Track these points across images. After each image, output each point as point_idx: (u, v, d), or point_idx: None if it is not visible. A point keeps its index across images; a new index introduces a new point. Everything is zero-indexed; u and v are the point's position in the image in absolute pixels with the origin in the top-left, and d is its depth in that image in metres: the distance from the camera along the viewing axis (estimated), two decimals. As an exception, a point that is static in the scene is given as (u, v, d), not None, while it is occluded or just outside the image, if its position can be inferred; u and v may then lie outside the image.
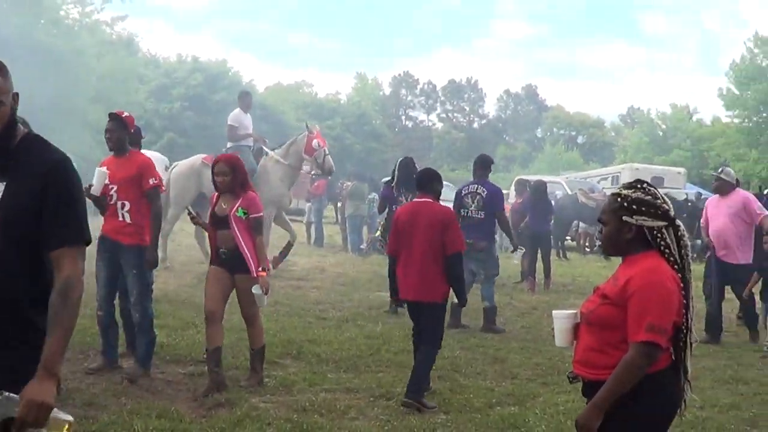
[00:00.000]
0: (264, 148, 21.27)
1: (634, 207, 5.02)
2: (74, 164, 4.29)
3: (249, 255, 9.82)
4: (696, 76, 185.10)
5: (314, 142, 20.44)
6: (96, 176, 10.00)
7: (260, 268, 9.91)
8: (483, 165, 15.66)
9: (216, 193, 10.16)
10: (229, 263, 9.93)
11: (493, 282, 15.48)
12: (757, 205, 14.63)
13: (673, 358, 5.01)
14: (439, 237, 9.97)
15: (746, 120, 65.27)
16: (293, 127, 71.55)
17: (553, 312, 5.51)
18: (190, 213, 10.51)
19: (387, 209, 16.35)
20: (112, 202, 10.20)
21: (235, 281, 10.01)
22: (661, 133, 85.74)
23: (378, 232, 20.61)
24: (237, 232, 9.78)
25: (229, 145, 20.90)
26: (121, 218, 10.21)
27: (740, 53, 65.65)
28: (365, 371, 11.19)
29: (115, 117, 10.39)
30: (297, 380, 10.46)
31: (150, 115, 64.67)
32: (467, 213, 14.99)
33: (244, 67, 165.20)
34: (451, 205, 12.84)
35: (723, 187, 14.83)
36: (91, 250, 10.19)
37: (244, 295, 10.04)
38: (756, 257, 14.66)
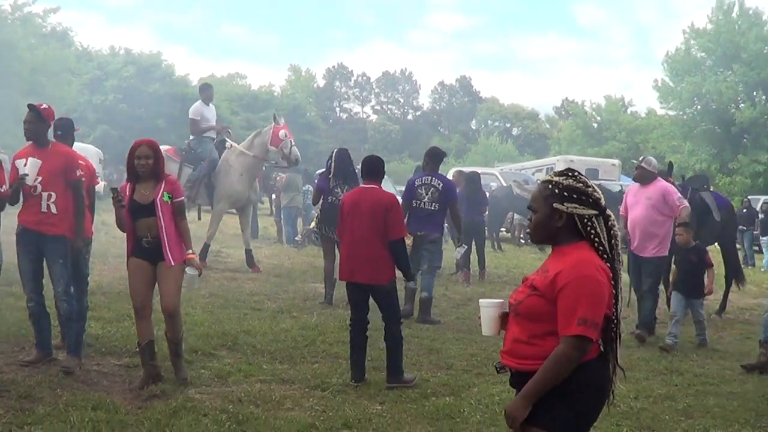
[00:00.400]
0: (228, 140, 21.14)
1: (566, 194, 4.97)
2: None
3: (169, 242, 9.57)
4: (631, 68, 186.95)
5: (281, 133, 20.30)
6: (30, 166, 9.90)
7: (189, 251, 9.79)
8: (435, 158, 15.71)
9: (127, 183, 9.78)
10: (153, 252, 9.62)
11: (435, 274, 15.56)
12: (677, 196, 14.27)
13: (602, 349, 4.99)
14: (382, 222, 10.29)
15: (681, 112, 65.95)
16: (227, 120, 71.37)
17: (480, 301, 5.47)
18: (116, 195, 9.52)
19: (322, 201, 16.34)
20: (35, 194, 10.06)
21: (157, 270, 9.69)
22: (595, 125, 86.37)
23: (313, 224, 20.62)
24: (162, 218, 9.53)
25: (191, 138, 20.86)
26: (45, 209, 10.09)
27: (675, 45, 66.40)
28: (300, 362, 11.20)
29: (33, 108, 10.26)
30: (232, 371, 10.44)
31: (83, 108, 64.45)
32: (419, 204, 15.05)
33: (178, 59, 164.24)
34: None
35: (644, 176, 14.43)
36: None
37: (168, 284, 9.67)
38: (671, 250, 14.33)
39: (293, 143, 20.53)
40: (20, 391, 9.03)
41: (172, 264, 9.58)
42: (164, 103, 68.81)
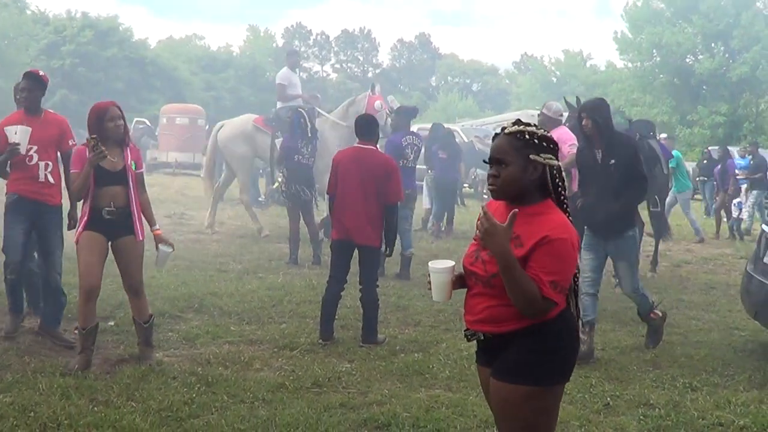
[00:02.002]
0: (318, 109, 20.17)
1: (544, 144, 4.70)
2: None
3: (138, 214, 8.97)
4: (590, 21, 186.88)
5: (377, 103, 19.26)
6: (20, 134, 9.49)
7: (156, 227, 9.28)
8: (411, 116, 15.98)
9: (86, 145, 8.75)
10: (112, 225, 8.84)
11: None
12: (568, 143, 12.98)
13: (570, 306, 4.82)
14: (381, 185, 10.37)
15: (640, 64, 66.19)
16: (187, 81, 71.34)
17: (429, 264, 5.07)
18: (96, 143, 8.63)
19: (287, 160, 16.30)
20: (31, 163, 9.67)
21: (117, 245, 8.97)
22: (555, 80, 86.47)
23: (276, 184, 20.51)
24: (131, 187, 8.90)
25: (279, 105, 19.99)
26: (43, 179, 9.74)
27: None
28: (268, 322, 11.21)
29: (31, 75, 9.88)
30: (200, 333, 10.44)
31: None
32: (406, 163, 14.99)
33: (136, 22, 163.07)
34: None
35: (546, 125, 13.11)
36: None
37: (133, 260, 9.02)
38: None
39: (389, 114, 19.92)
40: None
41: (141, 239, 9.03)
42: (123, 66, 68.64)
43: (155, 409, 7.62)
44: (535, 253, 4.58)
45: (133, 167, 9.00)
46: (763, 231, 10.97)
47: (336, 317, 10.63)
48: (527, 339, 4.70)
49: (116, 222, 8.87)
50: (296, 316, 11.62)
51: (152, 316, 9.48)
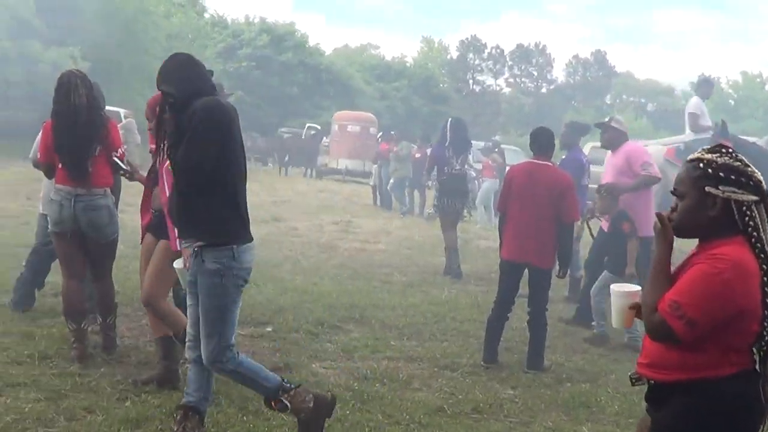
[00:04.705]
0: (743, 137, 18.91)
1: (721, 175, 4.03)
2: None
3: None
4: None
5: None
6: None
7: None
8: (583, 133, 15.50)
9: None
10: (156, 227, 8.03)
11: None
12: (642, 160, 11.92)
13: (757, 368, 4.09)
14: (556, 203, 9.86)
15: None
16: (360, 90, 71.89)
17: (612, 287, 4.85)
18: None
19: (438, 172, 16.01)
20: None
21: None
22: (732, 102, 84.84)
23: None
24: (166, 189, 7.58)
25: (688, 134, 19.32)
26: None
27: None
28: (429, 339, 10.88)
29: None
30: (359, 346, 10.18)
31: (218, 76, 65.34)
32: (587, 183, 14.34)
33: (311, 28, 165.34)
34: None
35: (613, 140, 12.38)
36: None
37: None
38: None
39: None
40: (140, 358, 8.95)
41: (174, 249, 7.36)
42: (297, 72, 69.63)
43: (307, 424, 7.34)
44: (682, 275, 4.11)
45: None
46: None
47: (501, 339, 10.20)
48: (689, 396, 4.10)
49: (157, 224, 8.00)
50: (459, 334, 11.26)
51: (170, 336, 8.14)
